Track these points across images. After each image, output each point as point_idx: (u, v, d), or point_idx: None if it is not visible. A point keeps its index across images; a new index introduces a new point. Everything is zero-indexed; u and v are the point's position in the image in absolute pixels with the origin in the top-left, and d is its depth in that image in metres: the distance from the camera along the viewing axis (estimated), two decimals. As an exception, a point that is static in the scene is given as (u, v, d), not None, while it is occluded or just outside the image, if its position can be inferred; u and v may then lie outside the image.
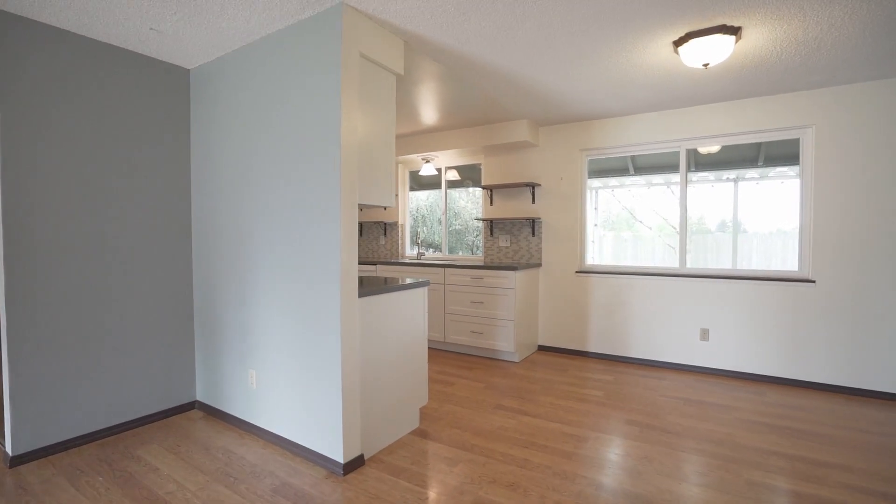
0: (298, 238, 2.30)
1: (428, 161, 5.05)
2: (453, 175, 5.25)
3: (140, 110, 2.68)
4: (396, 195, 5.53)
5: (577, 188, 4.26)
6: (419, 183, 5.56)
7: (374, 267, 4.89)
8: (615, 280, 4.08)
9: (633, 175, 4.35)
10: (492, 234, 4.75)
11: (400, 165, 5.51)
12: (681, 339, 3.80)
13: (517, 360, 4.07)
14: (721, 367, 3.64)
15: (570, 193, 4.28)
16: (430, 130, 4.62)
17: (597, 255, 4.50)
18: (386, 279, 2.80)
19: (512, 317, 3.97)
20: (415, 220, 5.58)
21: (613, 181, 4.50)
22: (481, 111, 3.91)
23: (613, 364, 3.99)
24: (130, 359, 2.66)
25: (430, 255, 5.46)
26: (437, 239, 5.35)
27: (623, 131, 4.03)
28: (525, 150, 4.52)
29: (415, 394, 2.65)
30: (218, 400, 2.84)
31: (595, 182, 4.47)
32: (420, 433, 2.59)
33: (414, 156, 4.95)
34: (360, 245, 5.87)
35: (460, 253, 5.17)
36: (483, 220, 4.62)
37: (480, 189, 4.86)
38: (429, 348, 4.52)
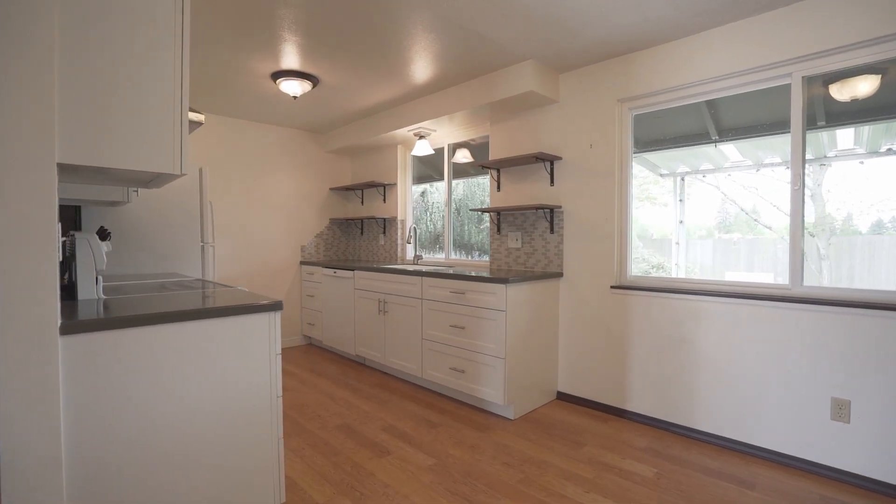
0: None
1: (422, 136, 3.90)
2: (465, 156, 4.05)
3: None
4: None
5: (616, 159, 2.80)
6: (438, 171, 4.42)
7: (351, 273, 3.88)
8: (675, 302, 2.55)
9: (715, 142, 2.77)
10: (499, 230, 3.45)
11: (399, 147, 4.44)
12: (793, 414, 2.17)
13: (511, 417, 2.73)
14: (872, 473, 1.96)
15: (605, 168, 2.83)
16: (416, 93, 3.48)
17: (682, 262, 3.01)
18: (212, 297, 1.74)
19: (501, 352, 2.66)
20: (442, 216, 4.43)
21: (700, 158, 2.95)
22: (468, 52, 2.68)
23: (665, 438, 2.47)
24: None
25: (430, 259, 4.30)
26: (467, 238, 4.12)
27: (687, 61, 2.49)
28: (539, 110, 3.16)
29: (247, 500, 1.54)
30: None
31: (677, 163, 2.96)
32: (246, 568, 1.48)
33: (403, 130, 3.84)
34: (360, 246, 4.92)
35: (481, 257, 3.90)
36: (483, 210, 3.34)
37: (488, 171, 3.58)
38: (404, 382, 3.37)
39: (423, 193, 4.64)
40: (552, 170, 3.09)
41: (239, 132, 4.17)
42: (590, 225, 2.90)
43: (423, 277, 3.15)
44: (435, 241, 4.37)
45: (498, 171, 3.45)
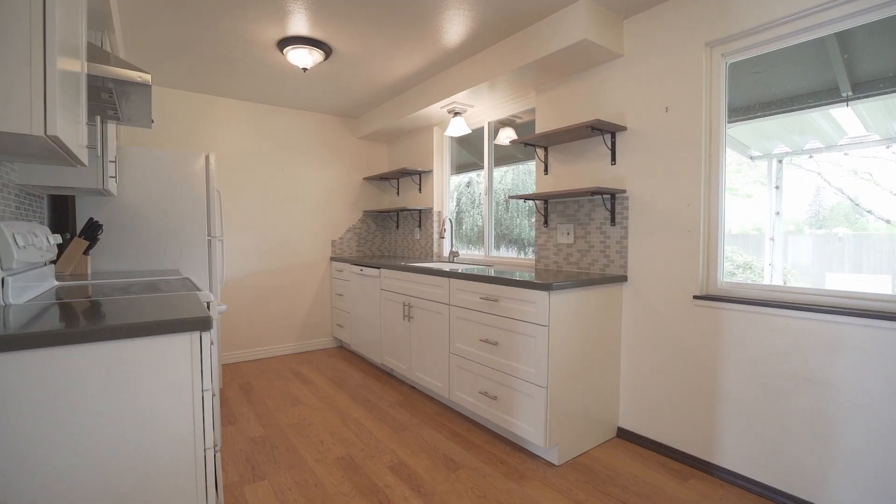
0: None
1: (457, 113, 3.35)
2: (509, 136, 3.45)
3: None
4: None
5: (703, 126, 2.07)
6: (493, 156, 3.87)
7: (377, 271, 3.44)
8: (795, 323, 1.80)
9: (846, 100, 1.95)
10: (546, 222, 2.82)
11: (435, 129, 3.92)
12: None
13: (555, 462, 2.13)
14: None
15: (687, 139, 2.12)
16: (446, 60, 2.93)
17: (778, 265, 2.25)
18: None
19: (542, 379, 2.06)
20: (496, 206, 3.88)
21: (806, 133, 2.15)
22: (492, -8, 2.09)
23: (779, 515, 1.74)
24: None
25: (469, 256, 3.75)
26: (517, 233, 3.54)
27: (819, -23, 1.72)
28: (596, 70, 2.48)
29: (159, 586, 1.11)
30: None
31: (773, 142, 2.17)
32: None
33: (436, 107, 3.31)
34: (396, 241, 4.48)
35: (522, 253, 3.29)
36: (526, 197, 2.73)
37: (533, 149, 2.95)
38: (430, 400, 2.85)
39: (468, 184, 4.10)
40: (613, 144, 2.41)
41: (262, 118, 3.87)
42: (664, 214, 2.20)
43: (451, 279, 2.62)
44: (482, 237, 3.82)
45: (545, 149, 2.82)
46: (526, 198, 2.70)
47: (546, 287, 2.01)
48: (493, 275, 2.35)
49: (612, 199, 2.42)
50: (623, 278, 2.35)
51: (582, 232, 2.59)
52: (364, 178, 4.46)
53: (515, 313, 2.17)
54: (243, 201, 3.80)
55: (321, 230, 4.24)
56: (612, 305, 2.35)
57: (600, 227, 2.49)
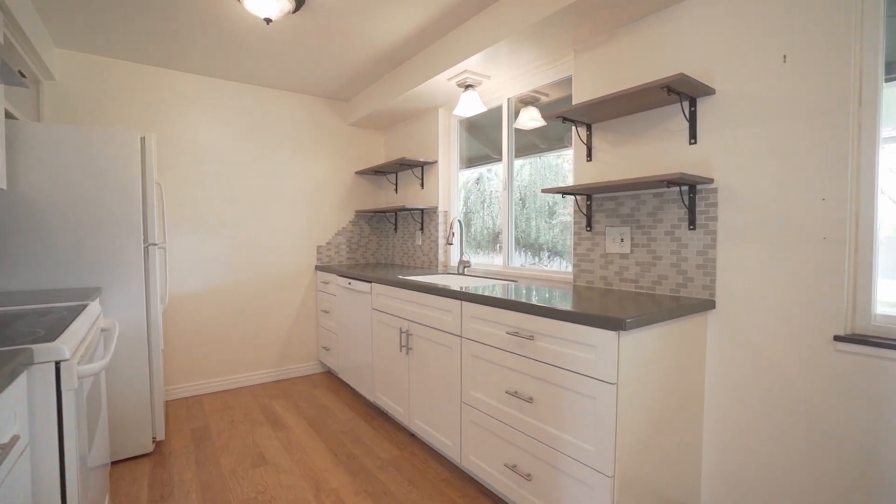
0: None
1: (469, 86, 2.66)
2: (532, 118, 2.76)
3: None
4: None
5: (852, 83, 1.37)
6: (499, 149, 3.17)
7: (368, 286, 2.75)
8: None
9: None
10: (590, 225, 2.13)
11: (441, 111, 3.23)
12: None
13: (624, 586, 1.43)
14: None
15: (820, 103, 1.41)
16: (456, 13, 2.24)
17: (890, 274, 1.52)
18: None
19: (606, 464, 1.36)
20: (518, 206, 3.16)
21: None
22: None
23: None
24: None
25: (483, 266, 3.06)
26: (534, 237, 2.84)
27: None
28: (664, 13, 1.78)
29: None
30: None
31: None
32: None
33: (442, 79, 2.62)
34: (394, 246, 3.80)
35: (550, 261, 2.60)
36: (564, 191, 2.03)
37: (570, 125, 2.26)
38: (434, 455, 2.16)
39: (478, 180, 3.41)
40: (693, 115, 1.71)
41: (229, 98, 3.19)
42: (780, 213, 1.50)
43: (463, 302, 1.92)
44: (493, 241, 3.14)
45: (588, 127, 2.12)
46: (565, 192, 2.00)
47: (615, 324, 1.31)
48: (524, 300, 1.65)
49: (691, 193, 1.72)
50: (709, 304, 1.66)
51: (643, 238, 1.90)
52: (356, 172, 3.78)
53: (562, 360, 1.48)
54: (206, 199, 3.12)
55: (305, 234, 3.56)
56: (694, 344, 1.65)
57: (672, 232, 1.79)
